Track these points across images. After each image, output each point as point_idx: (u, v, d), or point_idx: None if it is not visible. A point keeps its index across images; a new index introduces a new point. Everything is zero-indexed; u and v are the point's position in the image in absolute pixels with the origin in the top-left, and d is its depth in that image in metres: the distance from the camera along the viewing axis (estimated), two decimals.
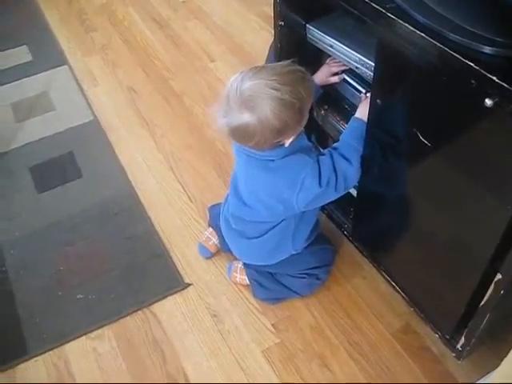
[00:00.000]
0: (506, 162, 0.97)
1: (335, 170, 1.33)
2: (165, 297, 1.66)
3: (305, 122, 1.29)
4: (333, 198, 1.40)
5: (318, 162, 1.32)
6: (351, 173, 1.36)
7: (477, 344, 1.32)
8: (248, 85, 1.20)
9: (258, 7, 2.84)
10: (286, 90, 1.18)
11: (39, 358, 1.54)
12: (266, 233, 1.49)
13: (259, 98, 1.18)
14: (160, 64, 2.58)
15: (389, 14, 1.03)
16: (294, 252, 1.54)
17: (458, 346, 1.34)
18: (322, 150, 1.61)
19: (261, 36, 2.64)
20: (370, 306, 1.60)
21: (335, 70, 1.51)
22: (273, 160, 1.32)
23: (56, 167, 2.09)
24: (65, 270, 1.74)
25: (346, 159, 1.35)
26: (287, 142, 1.27)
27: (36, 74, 2.56)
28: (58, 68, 2.60)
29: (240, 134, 1.23)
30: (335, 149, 1.37)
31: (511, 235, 1.02)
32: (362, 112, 1.38)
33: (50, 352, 1.55)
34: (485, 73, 0.88)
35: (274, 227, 1.47)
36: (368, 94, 1.37)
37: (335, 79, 1.52)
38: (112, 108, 2.36)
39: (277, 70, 1.22)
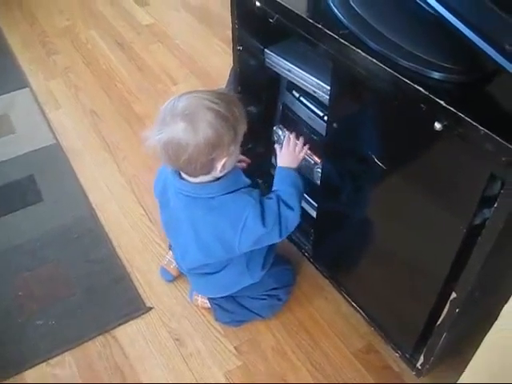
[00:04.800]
0: (457, 184, 1.01)
1: (280, 216, 1.34)
2: (126, 321, 1.64)
3: (237, 145, 1.27)
4: (275, 241, 1.41)
5: (260, 202, 1.32)
6: (294, 219, 1.37)
7: (436, 362, 1.34)
8: (184, 99, 1.21)
9: (221, 31, 2.86)
10: (222, 104, 1.19)
11: None
12: (222, 269, 1.49)
13: (196, 108, 1.18)
14: (122, 87, 2.57)
15: (342, 41, 1.06)
16: (252, 281, 1.52)
17: (418, 365, 1.36)
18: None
19: (224, 59, 2.65)
20: (331, 327, 1.61)
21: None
22: (213, 197, 1.31)
23: (16, 191, 2.06)
24: (24, 296, 1.71)
25: (289, 207, 1.36)
26: (219, 165, 1.25)
27: None
28: (20, 90, 2.56)
29: (173, 145, 1.20)
30: (279, 196, 1.37)
31: (465, 254, 1.04)
32: (284, 160, 1.44)
33: (7, 380, 1.52)
34: (433, 97, 0.91)
35: (227, 264, 1.47)
36: (276, 146, 1.50)
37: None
38: (74, 131, 2.34)
39: (213, 91, 1.26)
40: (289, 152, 1.45)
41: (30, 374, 1.54)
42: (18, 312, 1.67)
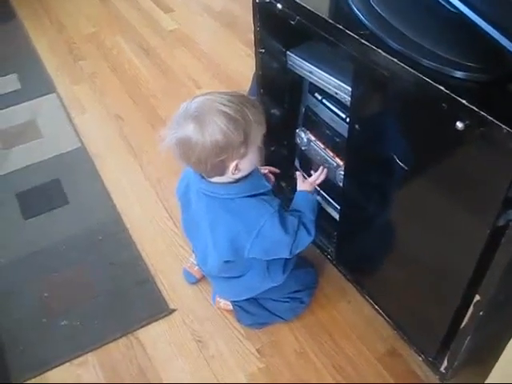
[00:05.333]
0: (480, 184, 0.99)
1: (296, 235, 1.39)
2: (149, 323, 1.65)
3: (251, 148, 1.26)
4: (283, 256, 1.44)
5: (280, 213, 1.34)
6: (306, 242, 1.44)
7: (460, 366, 1.32)
8: (197, 100, 1.23)
9: (243, 35, 2.87)
10: (233, 106, 1.20)
11: None
12: (244, 274, 1.49)
13: (206, 111, 1.20)
14: (147, 91, 2.60)
15: (363, 41, 1.05)
16: (274, 285, 1.52)
17: (442, 369, 1.34)
18: (305, 175, 1.63)
19: (247, 63, 2.66)
20: (354, 330, 1.60)
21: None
22: (232, 199, 1.32)
23: (42, 194, 2.10)
24: (49, 297, 1.73)
25: (308, 231, 1.42)
26: (231, 166, 1.25)
27: (24, 101, 2.58)
28: (47, 96, 2.61)
29: (183, 145, 1.22)
30: (300, 217, 1.42)
31: (488, 256, 1.02)
32: (306, 187, 1.53)
33: (33, 379, 1.54)
34: (455, 97, 0.90)
35: (249, 269, 1.48)
36: (298, 173, 1.59)
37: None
38: (99, 135, 2.37)
39: (227, 93, 1.26)
40: (314, 184, 1.55)
41: (54, 374, 1.56)
42: (43, 313, 1.69)
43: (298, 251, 1.43)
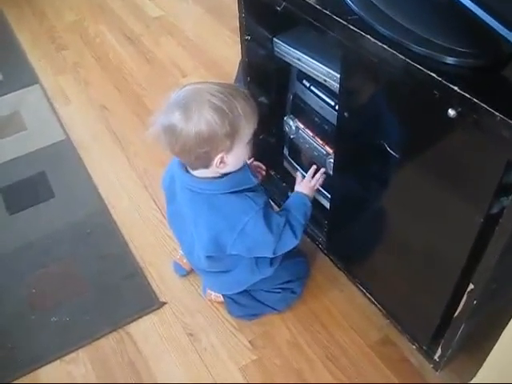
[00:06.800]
0: (473, 172, 0.97)
1: (281, 235, 1.35)
2: (140, 317, 1.63)
3: (238, 142, 1.23)
4: (266, 255, 1.41)
5: (266, 211, 1.32)
6: (291, 245, 1.41)
7: (455, 354, 1.32)
8: (186, 89, 1.21)
9: (230, 21, 2.83)
10: (221, 98, 1.17)
11: None
12: (233, 269, 1.47)
13: (193, 100, 1.17)
14: (132, 80, 2.56)
15: (351, 27, 1.03)
16: (264, 277, 1.50)
17: (436, 357, 1.33)
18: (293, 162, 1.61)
19: (233, 50, 2.61)
20: (347, 319, 1.59)
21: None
22: (215, 195, 1.29)
23: (28, 188, 2.07)
24: (38, 293, 1.71)
25: (295, 234, 1.39)
26: (216, 159, 1.22)
27: (7, 93, 2.53)
28: (30, 87, 2.57)
29: (168, 132, 1.20)
30: (288, 219, 1.39)
31: (481, 245, 1.01)
32: (303, 188, 1.50)
33: (23, 377, 1.51)
34: (447, 83, 0.88)
35: (238, 264, 1.45)
36: (298, 173, 1.56)
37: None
38: (84, 126, 2.34)
39: (219, 84, 1.23)
40: (311, 185, 1.50)
41: (44, 371, 1.53)
42: (32, 309, 1.67)
43: (281, 252, 1.41)
